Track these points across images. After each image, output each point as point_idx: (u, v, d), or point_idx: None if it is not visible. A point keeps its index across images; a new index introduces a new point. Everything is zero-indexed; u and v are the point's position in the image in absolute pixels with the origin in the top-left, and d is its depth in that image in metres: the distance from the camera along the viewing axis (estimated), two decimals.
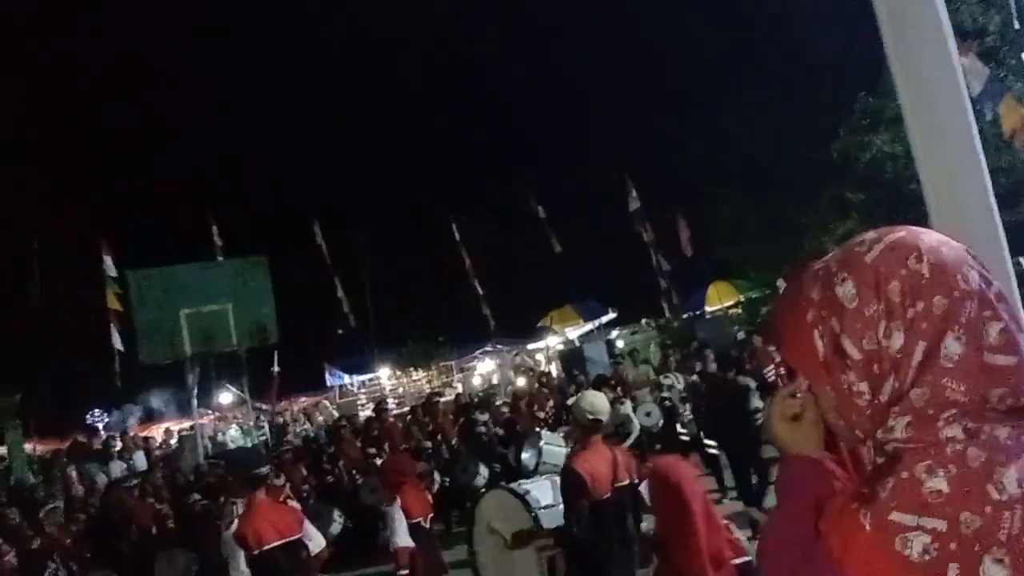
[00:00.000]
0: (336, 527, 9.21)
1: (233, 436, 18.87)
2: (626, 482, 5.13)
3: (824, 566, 1.03)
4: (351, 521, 9.92)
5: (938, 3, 1.67)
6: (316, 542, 5.74)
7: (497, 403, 15.17)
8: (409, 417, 14.91)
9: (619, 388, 12.92)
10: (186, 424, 20.22)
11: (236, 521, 5.71)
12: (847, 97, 18.72)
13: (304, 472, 12.01)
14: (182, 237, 22.82)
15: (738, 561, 3.39)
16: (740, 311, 25.90)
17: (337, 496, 11.23)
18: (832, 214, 20.44)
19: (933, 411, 1.01)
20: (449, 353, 27.92)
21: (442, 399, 17.06)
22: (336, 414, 20.98)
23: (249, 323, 15.69)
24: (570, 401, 8.81)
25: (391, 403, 20.96)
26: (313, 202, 26.89)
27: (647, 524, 5.23)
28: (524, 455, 8.94)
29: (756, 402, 8.99)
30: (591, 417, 5.04)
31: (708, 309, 27.24)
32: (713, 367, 11.37)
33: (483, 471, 10.87)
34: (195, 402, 16.51)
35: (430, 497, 7.85)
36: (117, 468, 14.83)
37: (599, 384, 12.07)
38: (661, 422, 11.53)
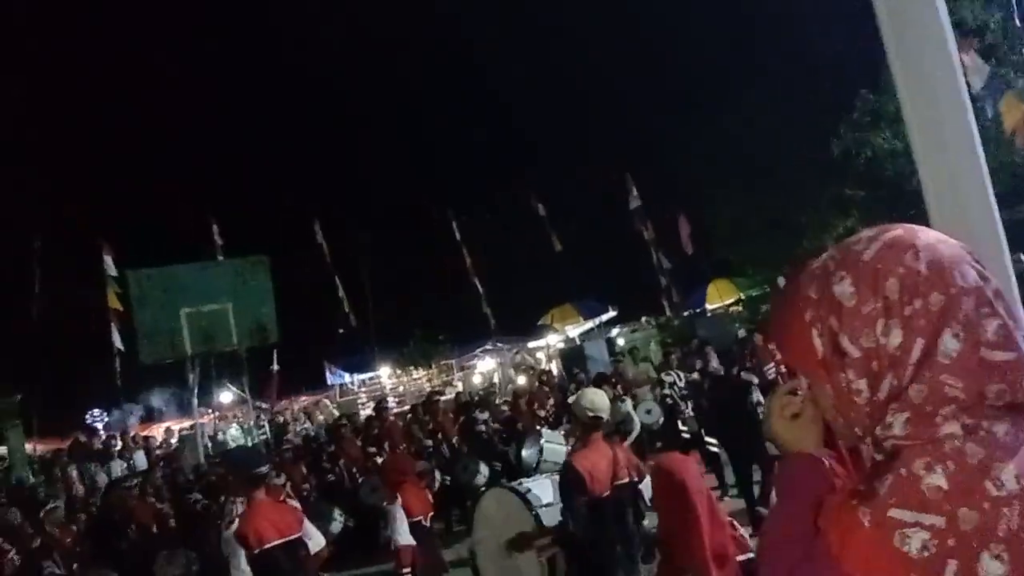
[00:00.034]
0: (337, 526, 9.22)
1: (233, 435, 18.94)
2: (626, 480, 5.12)
3: (823, 563, 1.03)
4: (352, 520, 9.92)
5: (938, 0, 1.67)
6: (316, 541, 5.74)
7: (497, 401, 15.18)
8: (409, 416, 14.88)
9: (619, 386, 12.90)
10: (186, 423, 20.26)
11: (236, 520, 5.71)
12: (847, 96, 18.68)
13: (304, 471, 11.99)
14: (182, 237, 22.91)
15: (742, 558, 3.38)
16: (741, 309, 25.89)
17: (338, 495, 11.22)
18: (833, 212, 20.42)
19: (931, 408, 1.01)
20: (449, 352, 27.94)
21: (442, 398, 17.05)
22: (336, 413, 20.96)
23: (249, 322, 15.68)
24: (571, 399, 8.79)
25: (391, 402, 20.99)
26: (313, 202, 27.05)
27: (648, 522, 5.23)
28: (525, 453, 8.95)
29: (759, 398, 8.98)
30: (591, 415, 5.04)
31: (709, 307, 27.27)
32: (715, 365, 11.38)
33: (484, 470, 10.85)
34: (195, 401, 16.52)
35: (430, 496, 7.86)
36: (117, 467, 14.88)
37: (599, 382, 12.03)
38: (662, 420, 11.53)
